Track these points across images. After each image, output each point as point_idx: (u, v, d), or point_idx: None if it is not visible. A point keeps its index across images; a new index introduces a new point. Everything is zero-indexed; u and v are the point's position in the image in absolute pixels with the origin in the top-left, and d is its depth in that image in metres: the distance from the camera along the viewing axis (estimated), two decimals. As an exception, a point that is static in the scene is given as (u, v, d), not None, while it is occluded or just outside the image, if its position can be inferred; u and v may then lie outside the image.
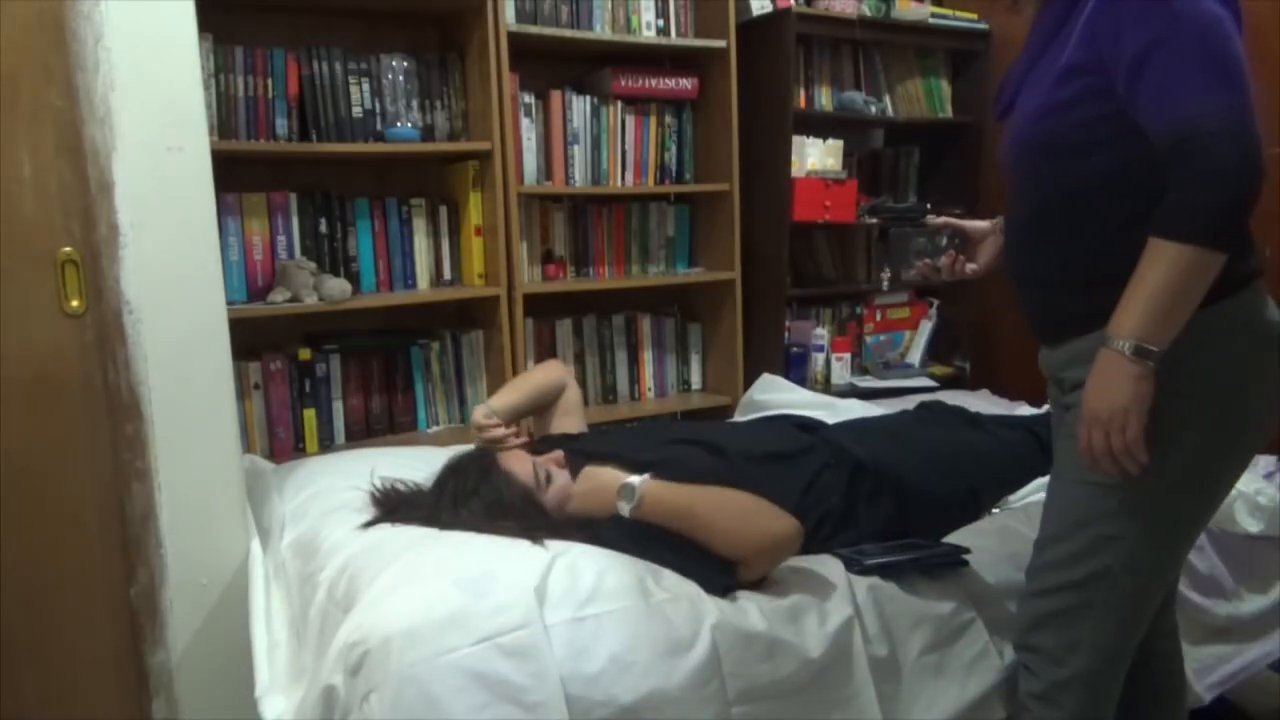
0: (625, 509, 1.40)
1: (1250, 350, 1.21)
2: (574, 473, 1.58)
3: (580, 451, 1.68)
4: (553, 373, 2.01)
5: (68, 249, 1.62)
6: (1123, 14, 1.14)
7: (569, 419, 1.96)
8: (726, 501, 1.40)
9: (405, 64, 2.30)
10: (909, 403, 2.33)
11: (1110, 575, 1.26)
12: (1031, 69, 1.30)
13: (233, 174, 2.07)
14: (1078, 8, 1.22)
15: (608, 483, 1.45)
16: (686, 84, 2.65)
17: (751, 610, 1.36)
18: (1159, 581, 1.31)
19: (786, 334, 2.84)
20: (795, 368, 2.86)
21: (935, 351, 3.17)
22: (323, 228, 2.28)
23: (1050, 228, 1.28)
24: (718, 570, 1.37)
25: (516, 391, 1.91)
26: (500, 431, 1.78)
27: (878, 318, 3.12)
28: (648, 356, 2.77)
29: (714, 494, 1.42)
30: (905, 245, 1.67)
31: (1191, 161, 1.09)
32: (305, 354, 2.26)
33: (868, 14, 2.82)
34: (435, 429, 2.44)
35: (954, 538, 1.62)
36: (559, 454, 1.64)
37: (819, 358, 2.91)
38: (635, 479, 1.42)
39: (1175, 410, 1.17)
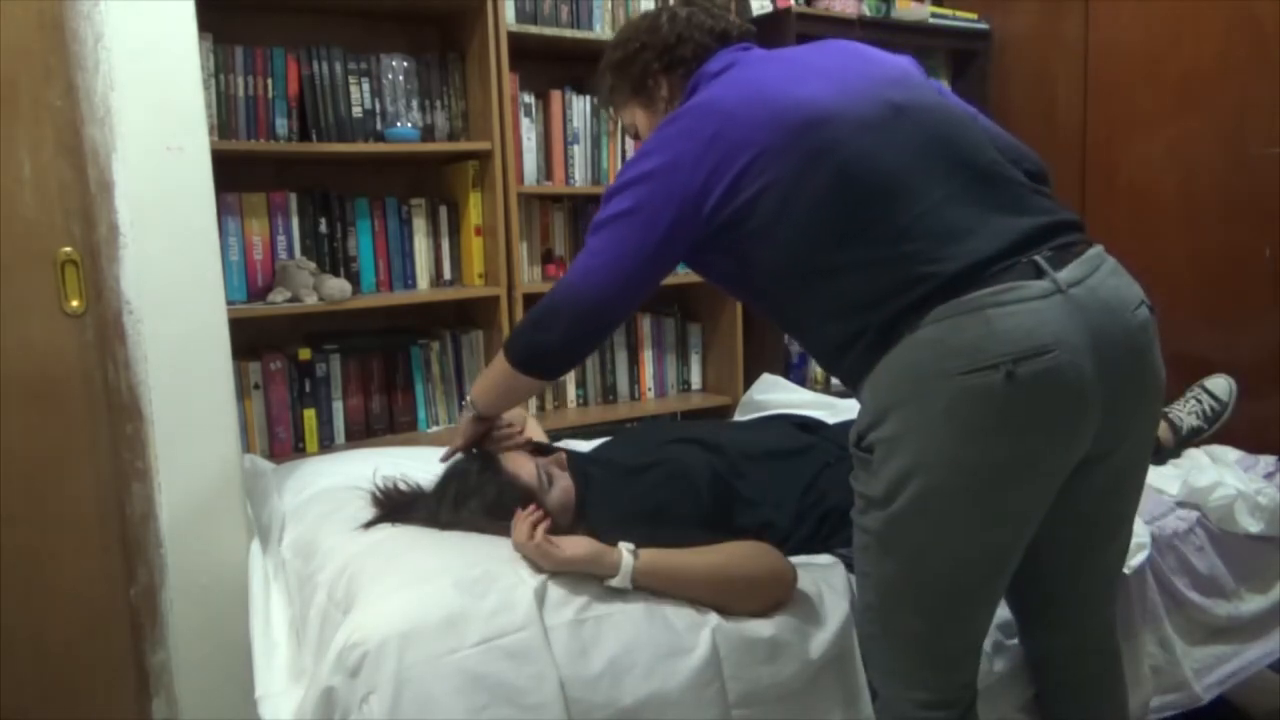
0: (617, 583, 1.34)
1: (919, 404, 1.12)
2: (575, 475, 1.58)
3: (581, 455, 1.68)
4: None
5: (68, 249, 1.62)
6: None
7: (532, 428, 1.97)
8: (725, 575, 1.36)
9: (405, 64, 2.30)
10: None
11: (873, 609, 1.28)
12: None
13: (233, 174, 2.07)
14: None
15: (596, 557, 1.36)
16: (687, 84, 2.65)
17: (752, 611, 1.36)
18: (934, 619, 1.22)
19: (786, 334, 2.84)
20: (795, 368, 2.86)
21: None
22: (323, 228, 2.28)
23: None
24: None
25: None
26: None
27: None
28: (648, 356, 2.77)
29: (709, 567, 1.36)
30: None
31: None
32: (305, 354, 2.26)
33: (868, 14, 2.82)
34: (435, 429, 2.44)
35: (954, 538, 1.61)
36: (561, 456, 1.63)
37: (819, 358, 2.90)
38: (625, 560, 1.33)
39: (872, 476, 1.18)
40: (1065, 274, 1.13)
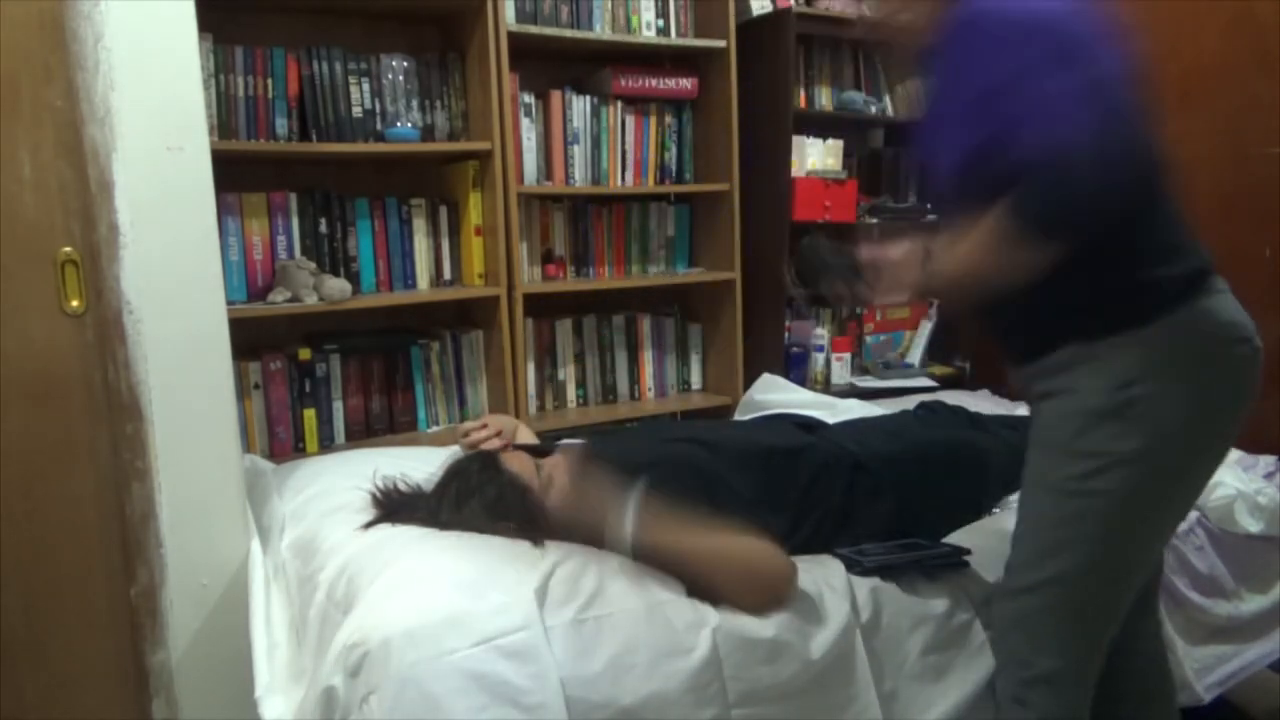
0: (619, 544, 1.37)
1: (1199, 366, 1.24)
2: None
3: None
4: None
5: (68, 249, 1.62)
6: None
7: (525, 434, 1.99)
8: (723, 556, 1.38)
9: (405, 64, 2.29)
10: (909, 403, 2.33)
11: (1065, 580, 1.28)
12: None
13: (233, 174, 2.07)
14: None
15: (600, 504, 1.40)
16: (686, 84, 2.65)
17: (752, 611, 1.36)
18: (1119, 586, 1.31)
19: (786, 334, 2.84)
20: (795, 368, 2.86)
21: (935, 351, 3.17)
22: (323, 228, 2.28)
23: None
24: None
25: None
26: (484, 434, 1.80)
27: (877, 317, 3.12)
28: (648, 356, 2.77)
29: (709, 547, 1.38)
30: (816, 260, 1.43)
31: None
32: (305, 354, 2.26)
33: (868, 14, 2.82)
34: (435, 429, 2.44)
35: (954, 538, 1.62)
36: (561, 458, 1.64)
37: (819, 358, 2.91)
38: (628, 522, 1.36)
39: (1127, 431, 1.22)
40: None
